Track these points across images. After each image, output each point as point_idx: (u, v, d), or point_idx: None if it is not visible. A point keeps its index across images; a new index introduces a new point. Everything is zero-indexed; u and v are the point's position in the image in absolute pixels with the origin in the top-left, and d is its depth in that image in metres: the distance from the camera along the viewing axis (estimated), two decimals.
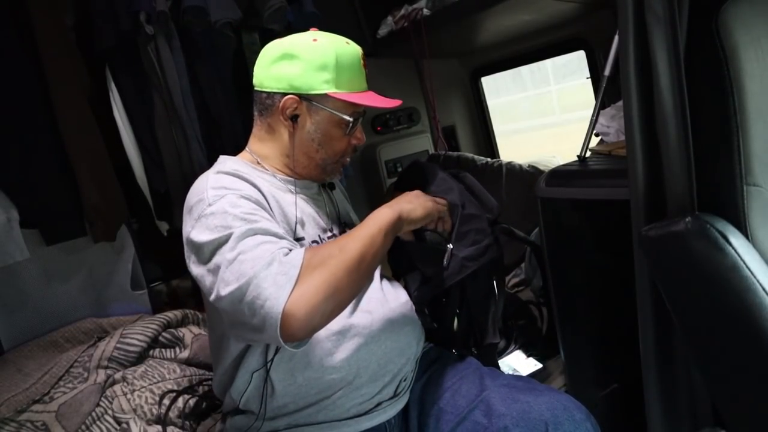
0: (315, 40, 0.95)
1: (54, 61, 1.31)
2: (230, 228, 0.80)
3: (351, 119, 0.98)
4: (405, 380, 1.02)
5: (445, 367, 1.07)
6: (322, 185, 1.11)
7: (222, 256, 0.78)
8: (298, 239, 0.96)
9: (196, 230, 0.83)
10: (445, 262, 1.05)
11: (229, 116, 1.59)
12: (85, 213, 1.38)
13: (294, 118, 0.97)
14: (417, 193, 1.03)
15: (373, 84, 1.01)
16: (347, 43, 0.98)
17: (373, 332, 0.96)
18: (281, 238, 0.83)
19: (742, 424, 0.81)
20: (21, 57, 1.29)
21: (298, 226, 0.96)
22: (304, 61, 0.94)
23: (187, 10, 1.43)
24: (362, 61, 0.99)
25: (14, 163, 1.30)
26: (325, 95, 0.95)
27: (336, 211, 1.11)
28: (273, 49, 0.98)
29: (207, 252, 0.81)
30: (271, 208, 0.92)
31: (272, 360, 0.90)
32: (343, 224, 1.10)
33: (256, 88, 1.01)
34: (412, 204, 0.98)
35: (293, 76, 0.95)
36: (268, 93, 0.98)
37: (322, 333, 0.91)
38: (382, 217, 0.91)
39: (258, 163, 1.02)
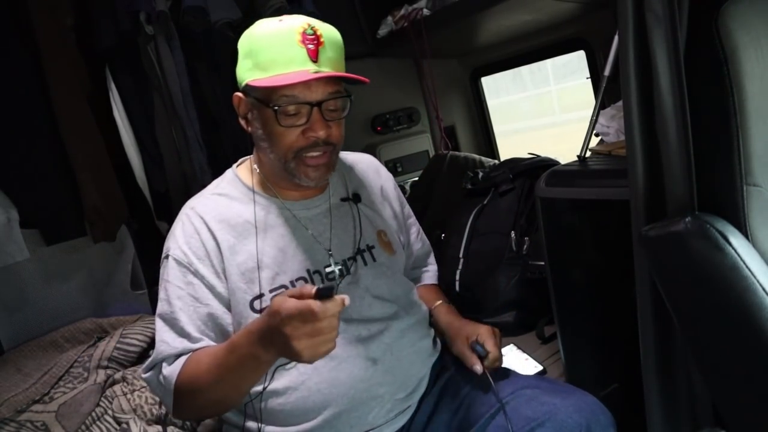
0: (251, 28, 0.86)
1: (54, 61, 1.31)
2: (162, 300, 0.89)
3: (275, 107, 0.82)
4: (400, 399, 0.95)
5: (455, 378, 1.01)
6: (345, 199, 0.98)
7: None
8: (257, 296, 0.87)
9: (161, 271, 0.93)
10: None
11: (228, 116, 1.59)
12: (85, 213, 1.39)
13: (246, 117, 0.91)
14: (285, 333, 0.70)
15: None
16: (279, 20, 0.83)
17: (341, 356, 0.89)
18: (179, 333, 0.86)
19: (743, 424, 0.81)
20: (21, 57, 1.29)
21: (263, 274, 0.88)
22: (239, 53, 0.87)
23: (187, 10, 1.43)
24: (299, 36, 0.80)
25: (14, 164, 1.30)
26: (250, 85, 0.84)
27: (356, 234, 0.96)
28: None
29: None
30: (223, 262, 0.88)
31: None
32: (360, 251, 0.95)
33: None
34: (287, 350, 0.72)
35: (237, 71, 0.88)
36: None
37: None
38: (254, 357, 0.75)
39: (261, 180, 0.96)
